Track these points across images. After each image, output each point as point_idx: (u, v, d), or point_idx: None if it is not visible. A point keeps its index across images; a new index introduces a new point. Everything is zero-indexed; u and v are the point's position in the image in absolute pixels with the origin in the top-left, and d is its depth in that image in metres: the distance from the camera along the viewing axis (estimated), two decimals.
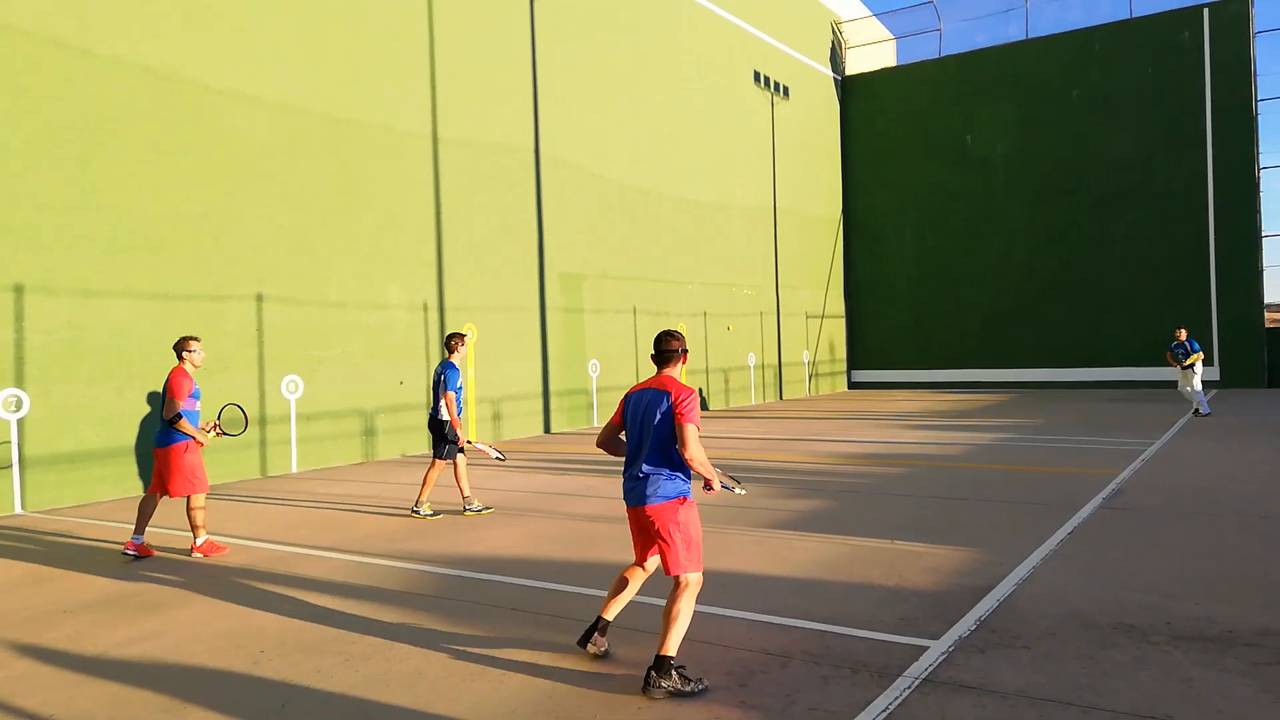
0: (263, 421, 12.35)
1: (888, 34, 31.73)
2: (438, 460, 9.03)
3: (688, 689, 4.14)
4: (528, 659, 4.71)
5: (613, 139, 19.34)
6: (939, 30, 29.23)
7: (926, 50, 29.71)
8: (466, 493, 9.05)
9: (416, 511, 8.96)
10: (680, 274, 21.44)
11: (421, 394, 14.57)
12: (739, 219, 23.89)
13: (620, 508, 7.74)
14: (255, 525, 8.77)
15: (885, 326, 29.09)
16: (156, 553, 7.52)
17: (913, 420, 17.66)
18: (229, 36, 12.17)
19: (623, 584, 4.77)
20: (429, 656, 4.80)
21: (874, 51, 31.54)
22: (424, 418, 14.64)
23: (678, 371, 4.63)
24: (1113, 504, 8.50)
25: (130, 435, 10.94)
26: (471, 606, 5.73)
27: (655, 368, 4.63)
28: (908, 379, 28.42)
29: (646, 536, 4.57)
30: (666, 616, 4.30)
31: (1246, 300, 23.80)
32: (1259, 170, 23.81)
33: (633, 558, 4.85)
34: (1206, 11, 24.28)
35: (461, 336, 8.99)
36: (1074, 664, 4.40)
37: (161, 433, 7.32)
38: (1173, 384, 19.53)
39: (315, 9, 13.30)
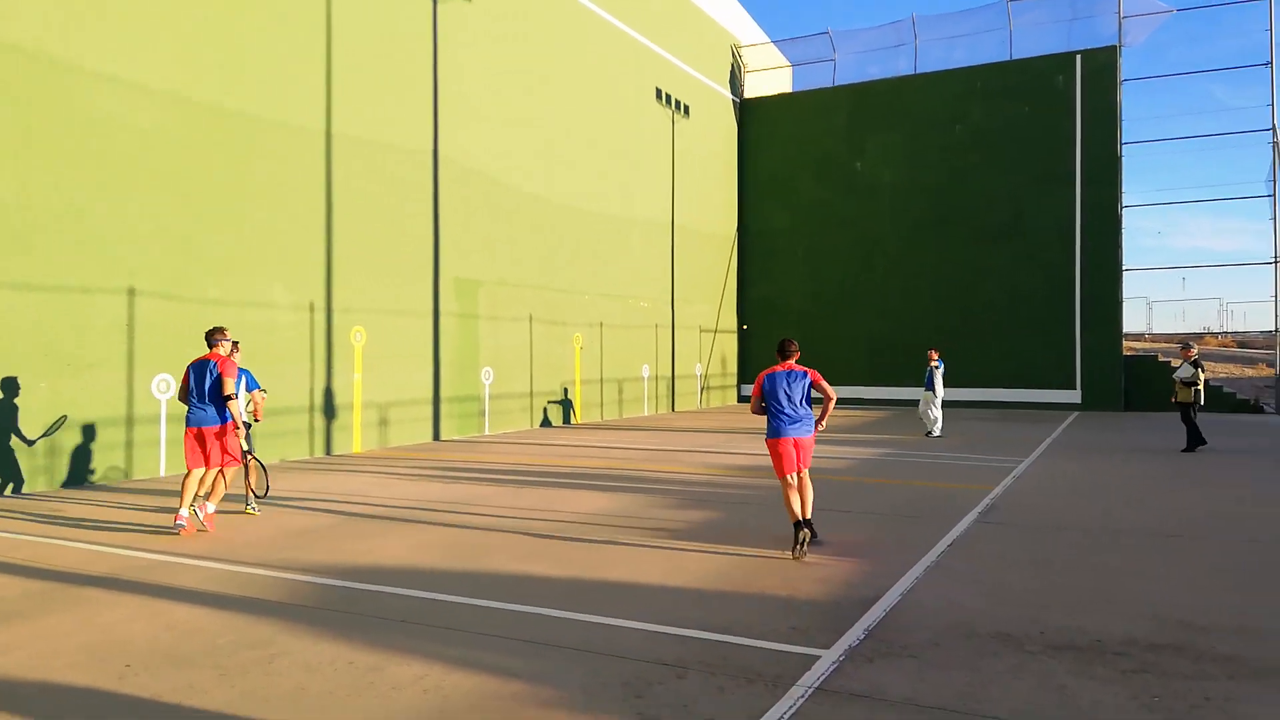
0: (130, 421, 11.66)
1: (785, 60, 32.58)
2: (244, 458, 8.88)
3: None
4: (418, 672, 4.55)
5: (514, 147, 19.17)
6: (834, 60, 30.19)
7: (821, 79, 30.64)
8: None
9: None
10: (578, 284, 21.39)
11: (304, 397, 14.05)
12: (638, 233, 24.03)
13: (510, 519, 7.76)
14: (122, 531, 8.24)
15: (775, 342, 29.62)
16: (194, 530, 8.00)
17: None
18: (107, 19, 11.51)
19: (795, 491, 7.43)
20: (312, 671, 4.59)
21: (771, 77, 32.32)
22: (306, 420, 14.12)
23: (796, 359, 7.86)
24: (988, 519, 8.86)
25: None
26: (357, 619, 5.52)
27: (781, 359, 7.82)
28: None
29: (800, 452, 7.56)
30: (804, 493, 7.52)
31: (1107, 329, 25.35)
32: (1121, 209, 25.44)
33: None
34: (1079, 58, 25.86)
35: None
36: (957, 672, 4.54)
37: (212, 413, 8.07)
38: (1033, 406, 20.57)
39: None
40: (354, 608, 5.76)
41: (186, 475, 8.20)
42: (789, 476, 7.43)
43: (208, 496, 8.30)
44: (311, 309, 14.25)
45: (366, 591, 6.15)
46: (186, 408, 8.29)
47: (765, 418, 7.64)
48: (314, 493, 10.60)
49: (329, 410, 14.52)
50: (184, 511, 7.98)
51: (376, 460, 13.95)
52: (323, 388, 14.40)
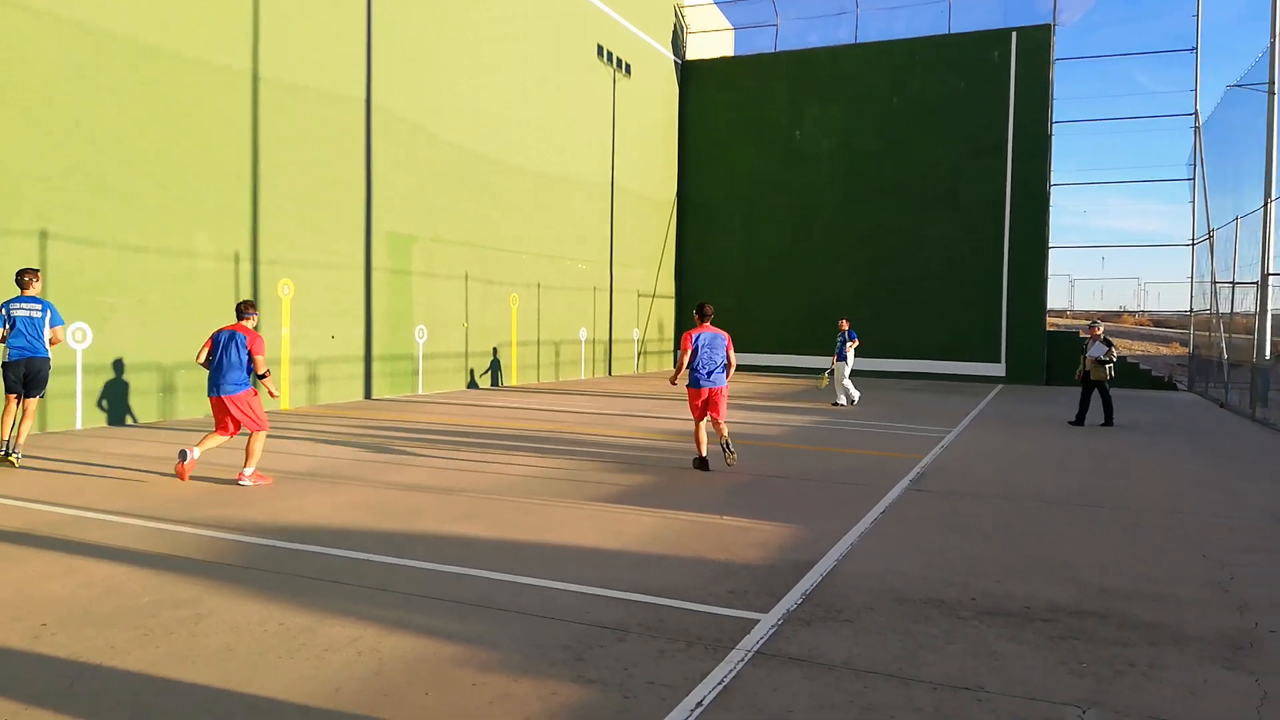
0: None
1: (727, 24, 32.36)
2: (29, 400, 8.98)
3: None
4: (352, 634, 4.44)
5: (451, 100, 18.68)
6: (776, 26, 30.09)
7: (763, 44, 30.55)
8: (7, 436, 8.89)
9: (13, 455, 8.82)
10: (515, 243, 21.08)
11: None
12: (577, 193, 23.74)
13: (444, 478, 7.69)
14: (34, 485, 7.89)
15: (713, 309, 29.74)
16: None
17: (735, 401, 18.18)
18: None
19: (704, 431, 9.86)
20: (240, 631, 4.44)
21: (713, 40, 32.09)
22: None
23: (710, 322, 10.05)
24: (918, 486, 9.05)
25: None
26: (287, 578, 5.36)
27: (700, 320, 9.98)
28: None
29: (713, 404, 9.70)
30: (719, 427, 9.64)
31: (1032, 304, 26.04)
32: (1050, 187, 26.05)
33: None
34: (1015, 35, 26.23)
35: (36, 272, 9.11)
36: (892, 637, 4.61)
37: (230, 380, 8.22)
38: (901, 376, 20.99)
39: None
40: (283, 567, 5.60)
41: (211, 434, 8.50)
42: (704, 421, 9.74)
43: (244, 462, 8.38)
44: (236, 259, 13.74)
45: (296, 551, 5.98)
46: (206, 374, 8.54)
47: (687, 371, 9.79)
48: (239, 449, 10.29)
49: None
50: (195, 454, 8.26)
51: (305, 418, 13.60)
52: None
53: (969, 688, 3.96)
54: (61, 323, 9.17)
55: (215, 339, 8.36)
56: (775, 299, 28.69)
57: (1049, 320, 27.73)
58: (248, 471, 8.32)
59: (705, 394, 9.63)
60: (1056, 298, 40.88)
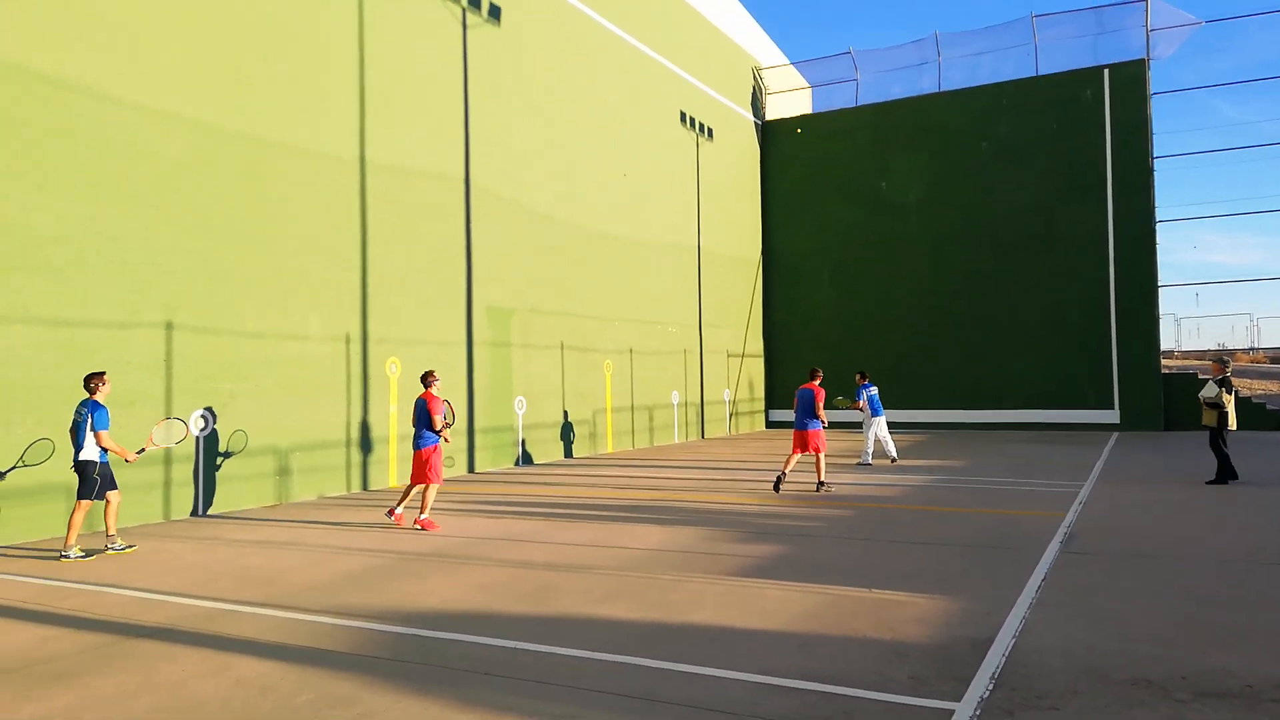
0: (167, 460, 11.36)
1: (804, 82, 32.43)
2: (83, 501, 8.86)
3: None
4: None
5: (542, 172, 18.96)
6: (856, 80, 30.01)
7: (843, 99, 30.45)
8: (112, 531, 9.04)
9: (65, 556, 8.62)
10: (606, 310, 21.10)
11: (340, 431, 13.75)
12: (664, 257, 23.76)
13: (573, 554, 7.45)
14: (168, 576, 7.91)
15: (803, 366, 29.23)
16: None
17: (839, 460, 17.62)
18: (137, 48, 11.32)
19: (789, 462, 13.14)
20: None
21: (792, 98, 32.17)
22: (343, 455, 13.80)
23: (818, 381, 13.18)
24: (1070, 549, 8.43)
25: (20, 474, 9.82)
26: (438, 671, 5.14)
27: (808, 378, 13.11)
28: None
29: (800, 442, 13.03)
30: (816, 464, 13.09)
31: (1144, 346, 24.86)
32: (1155, 223, 25.03)
33: None
34: (1107, 72, 25.58)
35: (103, 375, 9.14)
36: None
37: (427, 437, 10.40)
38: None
39: (234, 23, 12.56)
40: (430, 658, 5.39)
41: (410, 486, 10.72)
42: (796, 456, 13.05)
43: (420, 507, 10.38)
44: (347, 340, 13.97)
45: (438, 640, 5.77)
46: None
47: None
48: (359, 530, 10.26)
49: (365, 444, 14.20)
50: (399, 510, 10.53)
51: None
52: (359, 421, 14.09)
53: None
54: (102, 426, 8.88)
55: (416, 404, 10.57)
56: (866, 353, 27.98)
57: (1163, 362, 26.42)
58: (421, 517, 10.14)
59: (796, 434, 13.24)
60: (1162, 338, 39.01)
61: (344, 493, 13.76)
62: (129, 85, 11.13)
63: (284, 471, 12.90)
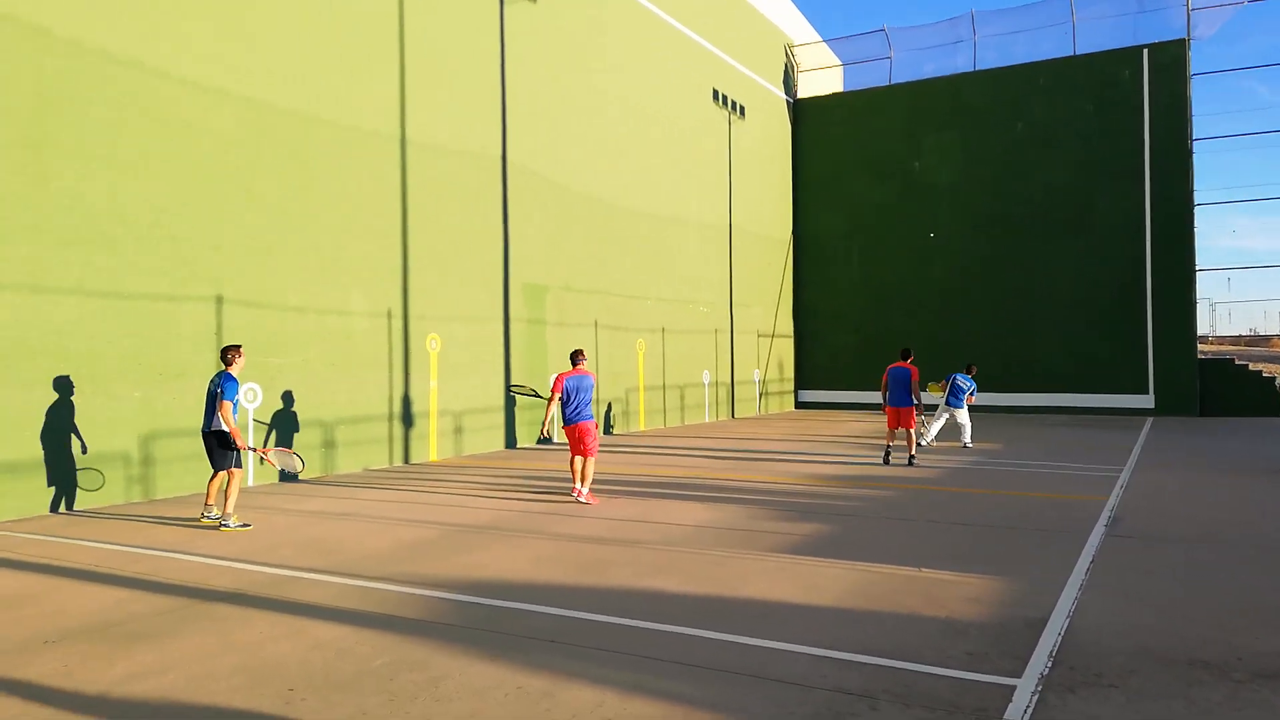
0: None
1: (836, 60, 32.17)
2: (221, 472, 8.95)
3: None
4: (593, 699, 4.32)
5: (576, 149, 19.00)
6: (889, 58, 29.73)
7: (876, 77, 30.16)
8: (230, 508, 8.84)
9: (226, 525, 8.73)
10: (639, 289, 21.17)
11: (383, 405, 13.96)
12: (696, 235, 23.77)
13: (620, 529, 7.61)
14: (229, 544, 8.13)
15: (832, 347, 29.30)
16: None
17: (872, 440, 17.67)
18: (191, 24, 11.48)
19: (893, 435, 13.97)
20: (482, 695, 4.38)
21: (824, 76, 31.92)
22: (386, 429, 14.03)
23: (910, 360, 13.93)
24: (1116, 531, 8.48)
25: (77, 443, 10.10)
26: (504, 638, 5.30)
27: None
28: (853, 400, 28.60)
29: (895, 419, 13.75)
30: (907, 439, 13.80)
31: (1179, 330, 24.63)
32: (1193, 207, 24.74)
33: None
34: (1146, 53, 25.19)
35: (238, 348, 9.14)
36: (1172, 704, 4.22)
37: (586, 413, 10.45)
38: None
39: (281, 1, 12.68)
40: (497, 626, 5.55)
41: (572, 460, 10.55)
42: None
43: (582, 480, 10.38)
44: (389, 315, 14.15)
45: (503, 609, 5.93)
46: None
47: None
48: (408, 502, 10.47)
49: (407, 418, 14.41)
50: (579, 485, 10.40)
51: (456, 469, 13.80)
52: (401, 395, 14.30)
53: None
54: (229, 397, 8.77)
55: (562, 380, 10.52)
56: (896, 334, 27.85)
57: (1199, 347, 26.17)
58: (584, 490, 10.31)
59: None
60: (1205, 324, 38.68)
61: (387, 466, 13.99)
62: (178, 62, 11.29)
63: (329, 444, 13.13)
